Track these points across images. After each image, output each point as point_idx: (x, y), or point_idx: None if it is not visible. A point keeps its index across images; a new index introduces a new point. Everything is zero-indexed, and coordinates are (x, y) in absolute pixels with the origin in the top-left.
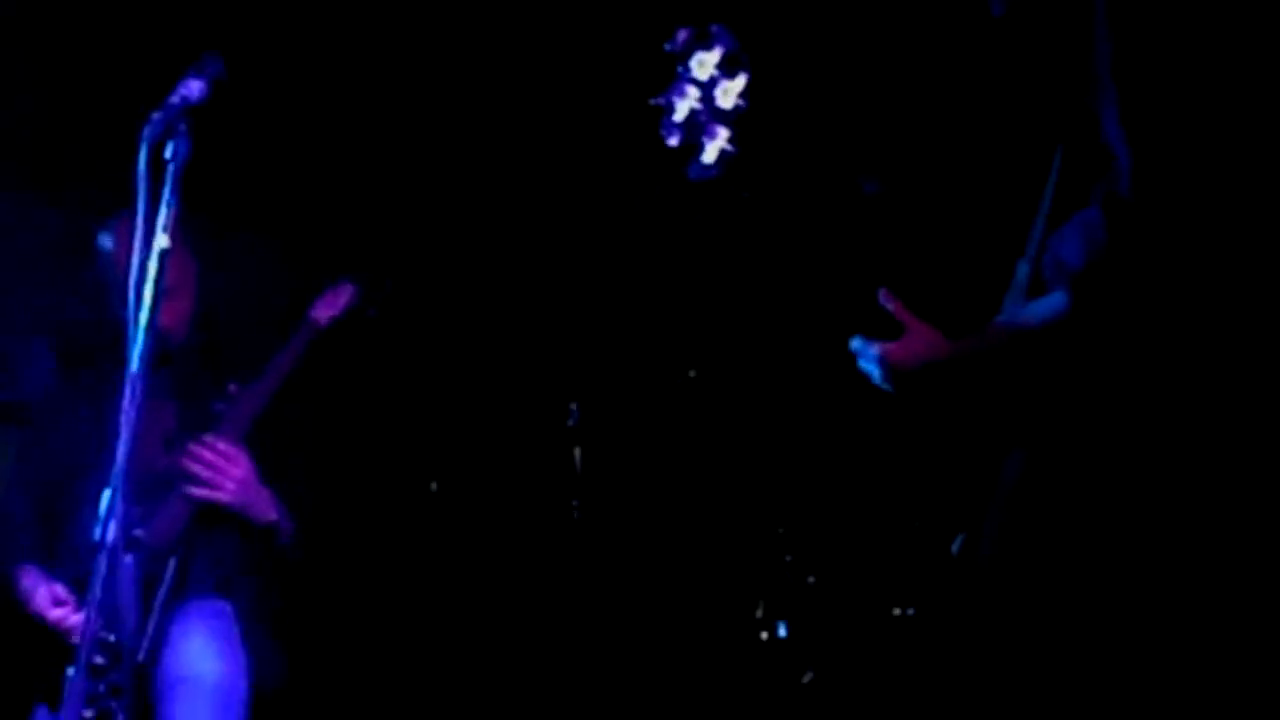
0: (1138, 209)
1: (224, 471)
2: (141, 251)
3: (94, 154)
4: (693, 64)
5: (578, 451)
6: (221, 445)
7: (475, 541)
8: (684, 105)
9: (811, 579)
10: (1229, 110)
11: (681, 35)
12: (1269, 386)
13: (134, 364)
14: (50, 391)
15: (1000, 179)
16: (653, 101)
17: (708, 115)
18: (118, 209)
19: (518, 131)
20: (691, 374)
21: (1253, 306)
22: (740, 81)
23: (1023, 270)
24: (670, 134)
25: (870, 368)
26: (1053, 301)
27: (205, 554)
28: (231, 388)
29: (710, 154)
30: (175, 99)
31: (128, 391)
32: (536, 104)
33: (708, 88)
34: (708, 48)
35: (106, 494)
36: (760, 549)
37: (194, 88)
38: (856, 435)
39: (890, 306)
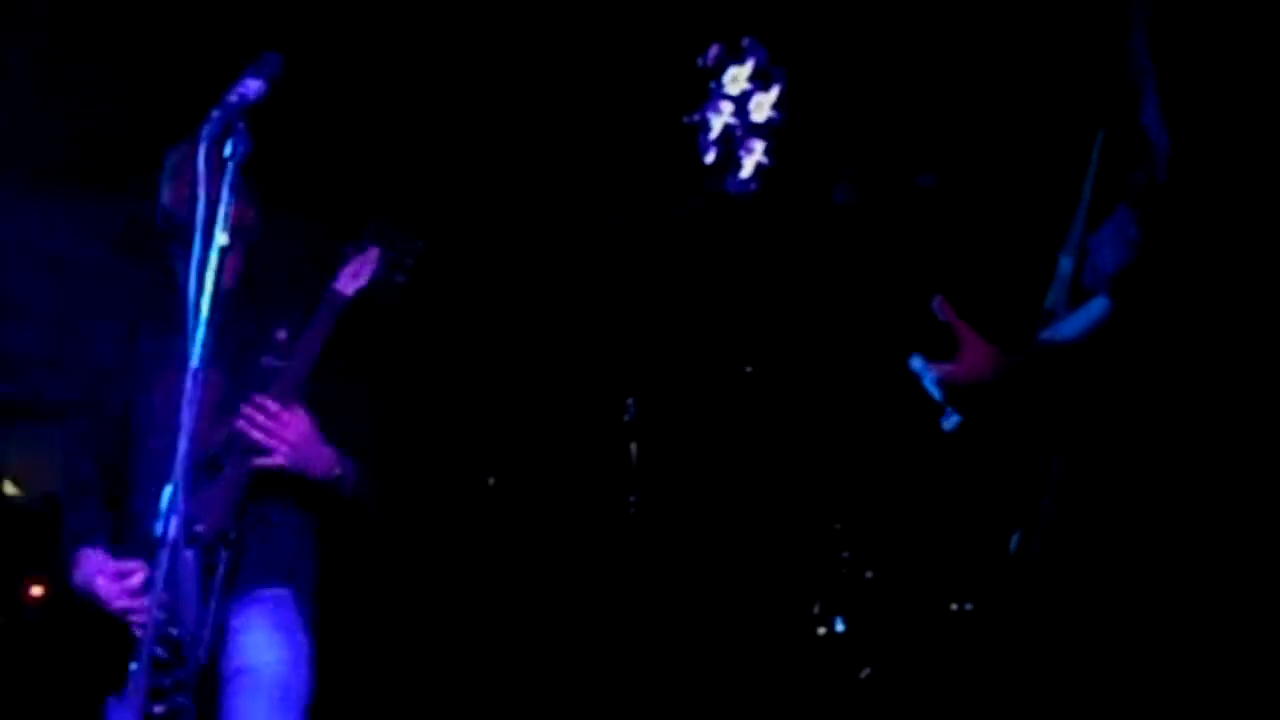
0: (1173, 202)
1: (277, 433)
2: (202, 248)
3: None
4: (725, 79)
5: (634, 446)
6: (272, 406)
7: (532, 535)
8: (719, 121)
9: (869, 575)
10: (1268, 100)
11: (713, 51)
12: None
13: (195, 359)
14: (117, 361)
15: (1042, 169)
16: (687, 120)
17: (743, 129)
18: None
19: (560, 143)
20: (748, 369)
21: None
22: (774, 93)
23: (1066, 264)
24: (707, 150)
25: (933, 389)
26: (1092, 310)
27: (261, 540)
28: (280, 334)
29: (748, 168)
30: (234, 97)
31: (189, 386)
32: (576, 113)
33: (741, 101)
34: (740, 61)
35: (168, 490)
36: (816, 545)
37: (252, 87)
38: (911, 432)
39: (944, 316)
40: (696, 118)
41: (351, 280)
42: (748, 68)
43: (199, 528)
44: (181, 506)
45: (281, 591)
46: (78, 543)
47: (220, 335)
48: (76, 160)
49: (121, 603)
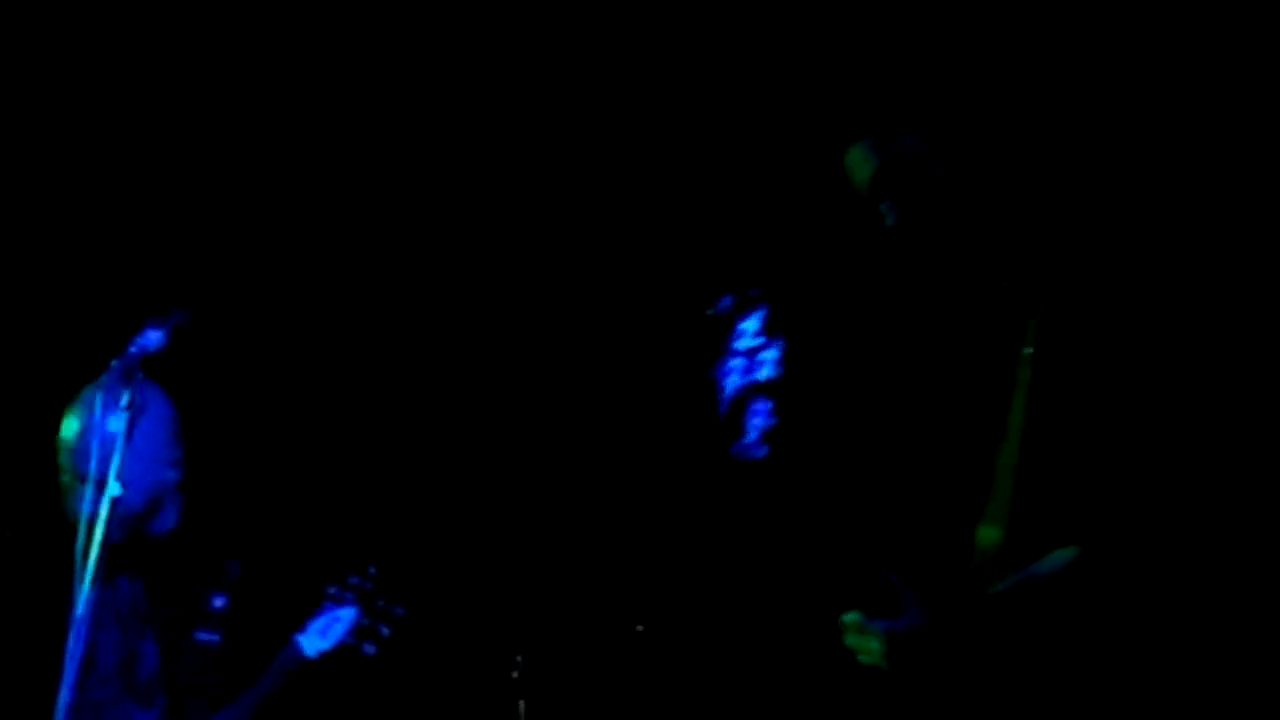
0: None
1: None
2: (94, 499)
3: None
4: (737, 334)
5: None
6: None
7: None
8: (732, 379)
9: None
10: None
11: (725, 302)
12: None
13: (80, 609)
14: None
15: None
16: (711, 375)
17: (751, 389)
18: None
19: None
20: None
21: None
22: (775, 350)
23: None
24: (722, 409)
25: (868, 644)
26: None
27: None
28: (216, 603)
29: (754, 431)
30: (134, 348)
31: (70, 643)
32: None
33: (750, 357)
34: (748, 315)
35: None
36: None
37: (152, 338)
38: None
39: (889, 578)
40: (715, 375)
41: (318, 638)
42: (754, 322)
43: None
44: None
45: None
46: None
47: (148, 602)
48: None
49: None
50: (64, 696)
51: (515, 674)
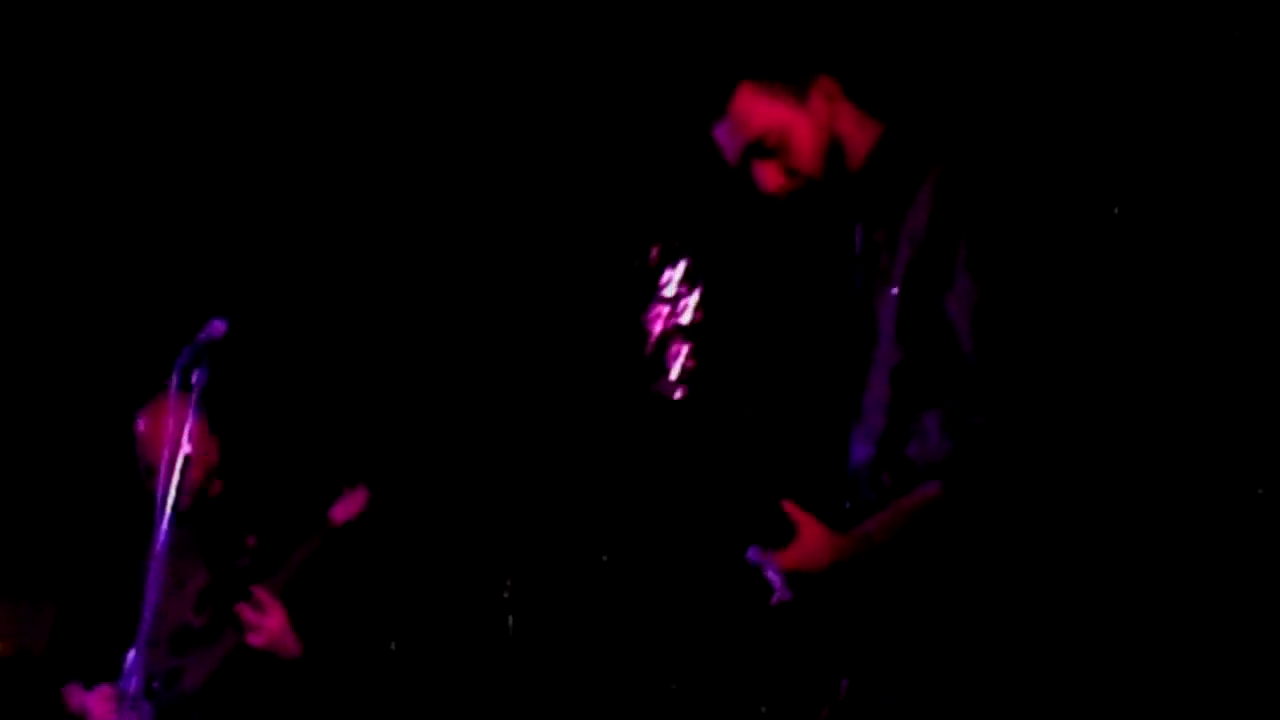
0: (989, 389)
1: (262, 621)
2: (171, 450)
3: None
4: (663, 281)
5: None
6: (263, 598)
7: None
8: (658, 324)
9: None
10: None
11: (654, 251)
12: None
13: (160, 541)
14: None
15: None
16: (641, 319)
17: (673, 332)
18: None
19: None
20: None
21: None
22: (695, 296)
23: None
24: (647, 349)
25: (773, 577)
26: (923, 491)
27: (229, 692)
28: (249, 541)
29: (674, 371)
30: (202, 336)
31: (152, 559)
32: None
33: (674, 304)
34: (673, 263)
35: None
36: None
37: (217, 328)
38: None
39: (788, 510)
40: (645, 319)
41: (342, 511)
42: (679, 270)
43: (155, 684)
44: (141, 664)
45: None
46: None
47: (203, 537)
48: None
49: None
50: (148, 605)
51: (505, 595)
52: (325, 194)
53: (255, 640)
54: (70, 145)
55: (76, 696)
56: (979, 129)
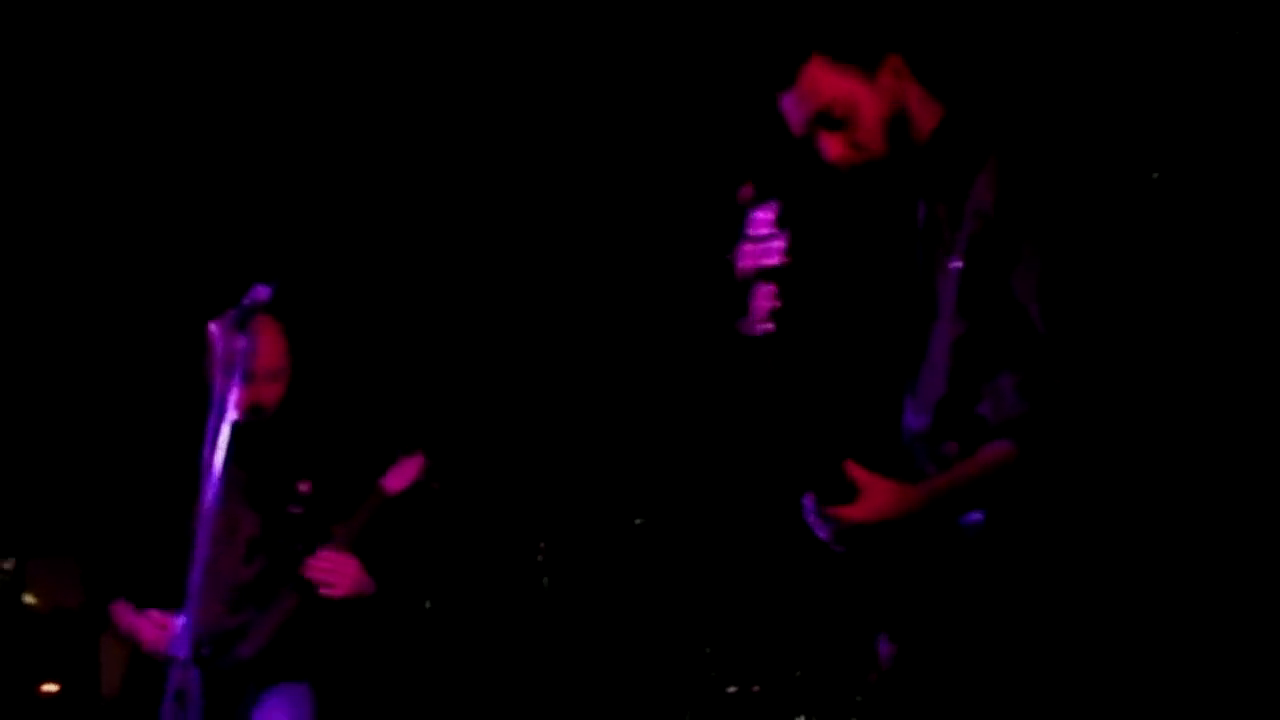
0: (1058, 354)
1: (339, 574)
2: (217, 420)
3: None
4: (750, 221)
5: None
6: (333, 555)
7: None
8: (747, 263)
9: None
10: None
11: (745, 190)
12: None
13: (210, 502)
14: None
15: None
16: (728, 258)
17: (761, 272)
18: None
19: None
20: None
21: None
22: (784, 240)
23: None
24: (732, 289)
25: (820, 527)
26: (995, 449)
27: (287, 649)
28: (302, 487)
29: (759, 310)
30: (247, 300)
31: (202, 522)
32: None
33: (762, 244)
34: (765, 205)
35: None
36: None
37: (262, 292)
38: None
39: (850, 469)
40: (730, 257)
41: (397, 479)
42: (771, 212)
43: (205, 650)
44: (190, 627)
45: (300, 688)
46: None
47: (253, 480)
48: None
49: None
50: (199, 551)
51: (540, 557)
52: (401, 154)
53: (337, 592)
54: (123, 121)
55: (127, 617)
56: (1040, 115)
